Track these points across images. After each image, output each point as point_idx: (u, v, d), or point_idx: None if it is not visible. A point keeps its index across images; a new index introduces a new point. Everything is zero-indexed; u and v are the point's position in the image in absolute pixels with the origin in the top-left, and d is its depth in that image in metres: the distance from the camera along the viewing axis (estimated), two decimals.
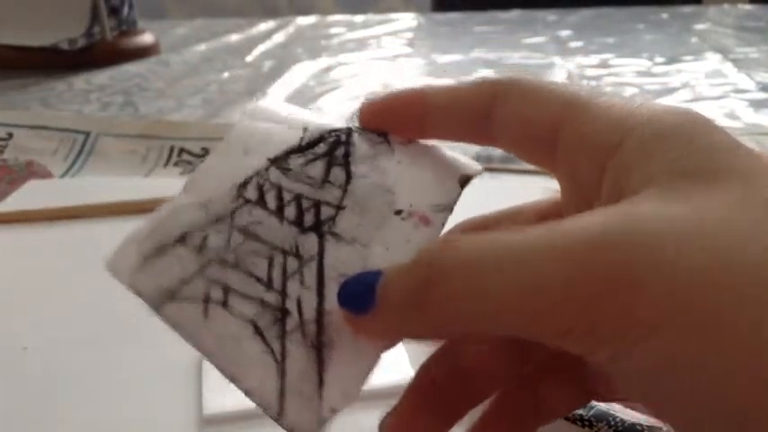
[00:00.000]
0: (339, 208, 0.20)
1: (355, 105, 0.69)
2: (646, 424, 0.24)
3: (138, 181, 0.53)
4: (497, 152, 0.51)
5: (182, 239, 0.19)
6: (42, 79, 0.83)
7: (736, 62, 0.81)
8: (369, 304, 0.16)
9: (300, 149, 0.21)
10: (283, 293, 0.18)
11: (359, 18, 1.22)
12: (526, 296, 0.14)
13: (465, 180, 0.21)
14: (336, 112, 0.68)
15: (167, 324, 0.18)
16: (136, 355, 0.32)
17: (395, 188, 0.20)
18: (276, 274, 0.18)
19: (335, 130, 0.21)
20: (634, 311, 0.13)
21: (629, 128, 0.16)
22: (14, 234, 0.45)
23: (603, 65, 0.83)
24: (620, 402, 0.25)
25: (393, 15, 1.26)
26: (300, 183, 0.20)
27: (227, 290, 0.18)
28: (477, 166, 0.21)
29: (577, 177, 0.18)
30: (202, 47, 1.02)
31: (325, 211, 0.19)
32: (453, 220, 0.21)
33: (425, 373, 0.20)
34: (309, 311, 0.18)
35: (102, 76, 0.84)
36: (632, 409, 0.25)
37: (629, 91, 0.72)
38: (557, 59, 0.87)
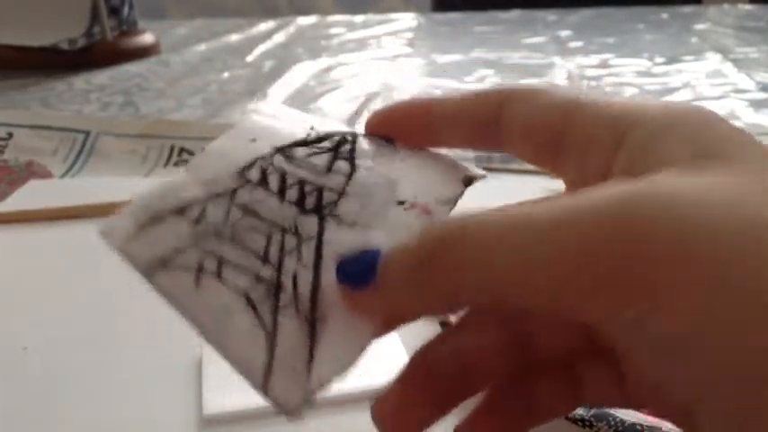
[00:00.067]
0: (341, 194, 0.20)
1: (355, 105, 0.69)
2: (646, 424, 0.24)
3: (139, 181, 0.53)
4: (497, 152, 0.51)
5: (179, 211, 0.19)
6: (42, 79, 0.83)
7: (736, 62, 0.81)
8: (369, 278, 0.16)
9: (306, 143, 0.21)
10: (279, 269, 0.18)
11: (359, 18, 1.22)
12: (548, 262, 0.14)
13: (469, 180, 0.21)
14: (336, 112, 0.68)
15: (158, 292, 0.17)
16: (136, 355, 0.32)
17: (398, 181, 0.20)
18: (273, 249, 0.18)
19: (342, 132, 0.22)
20: (659, 273, 0.13)
21: (631, 122, 0.17)
22: (14, 234, 0.45)
23: (603, 65, 0.83)
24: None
25: (393, 15, 1.26)
26: (304, 169, 0.20)
27: (221, 261, 0.18)
28: (480, 170, 0.21)
29: (585, 175, 0.18)
30: (202, 47, 1.02)
31: (328, 196, 0.19)
32: None
33: (420, 361, 0.19)
34: (305, 287, 0.17)
35: (102, 76, 0.84)
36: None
37: (629, 91, 0.72)
38: (557, 59, 0.87)
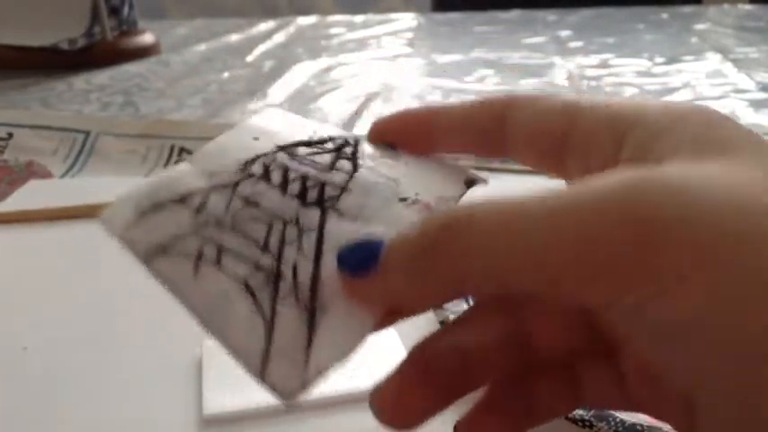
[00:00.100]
0: (344, 189, 0.20)
1: (355, 105, 0.69)
2: (646, 424, 0.24)
3: (139, 181, 0.53)
4: None
5: (181, 200, 0.19)
6: (42, 79, 0.83)
7: (736, 62, 0.81)
8: (370, 265, 0.16)
9: (309, 144, 0.21)
10: (279, 258, 0.18)
11: (359, 18, 1.22)
12: (546, 248, 0.14)
13: (471, 182, 0.21)
14: (336, 112, 0.68)
15: (157, 279, 0.17)
16: (136, 355, 0.32)
17: (400, 181, 0.20)
18: (274, 239, 0.18)
19: (344, 136, 0.22)
20: (662, 259, 0.13)
21: (632, 122, 0.17)
22: (14, 234, 0.45)
23: (603, 65, 0.83)
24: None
25: (393, 15, 1.26)
26: (307, 166, 0.20)
27: (221, 249, 0.18)
28: (482, 175, 0.21)
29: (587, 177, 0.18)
30: (202, 47, 1.02)
31: (330, 191, 0.19)
32: None
33: (419, 355, 0.19)
34: (305, 276, 0.17)
35: (102, 76, 0.84)
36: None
37: (629, 91, 0.72)
38: (557, 59, 0.87)
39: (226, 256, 0.18)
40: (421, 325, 0.21)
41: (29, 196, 0.51)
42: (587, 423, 0.24)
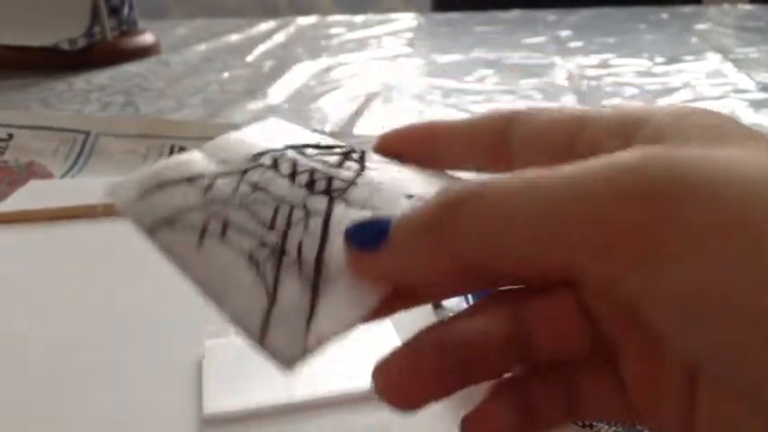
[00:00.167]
0: (351, 183, 0.20)
1: (355, 106, 0.69)
2: None
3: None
4: None
5: (189, 180, 0.19)
6: (42, 79, 0.83)
7: (736, 62, 0.81)
8: (379, 241, 0.16)
9: (318, 147, 0.22)
10: (285, 236, 0.18)
11: (359, 18, 1.22)
12: (565, 219, 0.14)
13: None
14: (336, 112, 0.68)
15: (159, 250, 0.17)
16: (136, 355, 0.32)
17: (407, 181, 0.20)
18: (280, 219, 0.18)
19: (351, 145, 0.22)
20: (672, 232, 0.13)
21: (640, 125, 0.17)
22: (14, 234, 0.45)
23: (603, 65, 0.83)
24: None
25: (393, 15, 1.26)
26: (315, 162, 0.21)
27: (226, 224, 0.18)
28: None
29: None
30: (202, 47, 1.02)
31: (338, 184, 0.20)
32: None
33: (418, 344, 0.19)
34: (309, 254, 0.17)
35: (102, 76, 0.85)
36: None
37: (629, 91, 0.72)
38: (557, 59, 0.87)
39: (231, 231, 0.18)
40: (421, 325, 0.21)
41: (29, 196, 0.51)
42: (587, 423, 0.24)
